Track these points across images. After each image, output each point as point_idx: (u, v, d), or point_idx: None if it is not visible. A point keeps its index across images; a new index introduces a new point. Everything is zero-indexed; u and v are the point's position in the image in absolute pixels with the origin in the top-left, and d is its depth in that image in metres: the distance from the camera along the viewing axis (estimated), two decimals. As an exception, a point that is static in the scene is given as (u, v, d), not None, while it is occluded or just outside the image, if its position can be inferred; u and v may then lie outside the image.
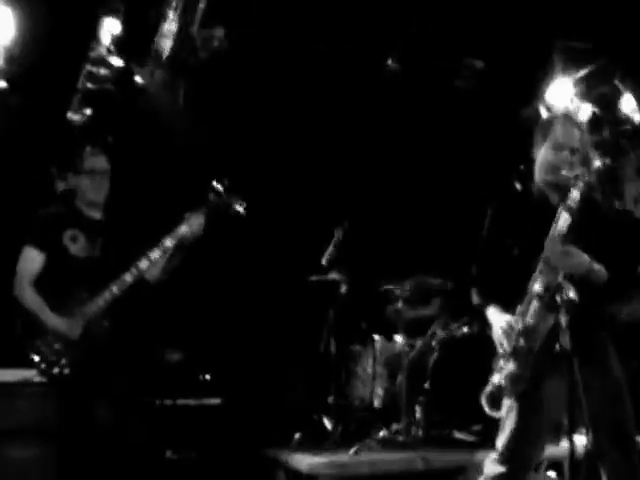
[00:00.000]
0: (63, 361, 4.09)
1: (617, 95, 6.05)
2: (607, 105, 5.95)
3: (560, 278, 3.37)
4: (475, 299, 3.83)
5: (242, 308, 6.49)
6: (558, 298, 3.30)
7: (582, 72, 6.87)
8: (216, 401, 5.72)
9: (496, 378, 3.53)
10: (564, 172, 3.49)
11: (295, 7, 6.11)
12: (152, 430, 5.00)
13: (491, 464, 3.62)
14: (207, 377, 5.89)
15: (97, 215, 4.42)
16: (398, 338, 6.37)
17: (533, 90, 6.71)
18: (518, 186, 3.89)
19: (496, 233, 3.74)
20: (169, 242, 4.31)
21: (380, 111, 7.02)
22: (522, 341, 3.45)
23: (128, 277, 4.22)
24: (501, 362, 3.53)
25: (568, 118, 3.65)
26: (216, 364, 6.02)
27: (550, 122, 3.70)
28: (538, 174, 3.68)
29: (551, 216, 3.49)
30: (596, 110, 5.03)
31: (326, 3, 6.12)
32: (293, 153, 6.85)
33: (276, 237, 6.66)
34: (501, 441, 3.59)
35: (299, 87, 6.68)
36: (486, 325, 3.74)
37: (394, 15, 6.21)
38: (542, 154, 3.64)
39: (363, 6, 6.15)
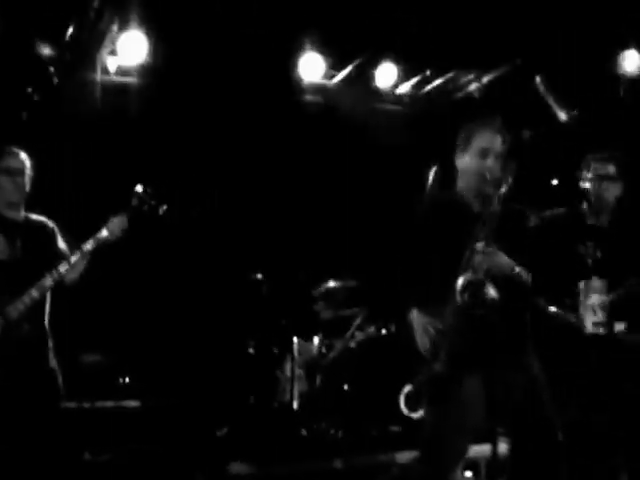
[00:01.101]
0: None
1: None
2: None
3: (481, 277, 3.39)
4: (399, 301, 3.86)
5: (164, 310, 6.45)
6: (479, 297, 3.38)
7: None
8: (135, 404, 5.69)
9: (416, 379, 3.59)
10: (487, 178, 3.50)
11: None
12: (70, 432, 4.94)
13: (412, 464, 3.67)
14: (126, 380, 5.86)
15: (17, 215, 4.36)
16: (316, 340, 6.42)
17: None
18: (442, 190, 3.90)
19: (421, 237, 3.74)
20: (89, 246, 4.28)
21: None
22: (443, 341, 3.47)
23: (48, 281, 4.19)
24: (422, 363, 3.58)
25: (491, 123, 3.66)
26: (136, 366, 5.97)
27: (473, 128, 3.65)
28: (462, 180, 3.69)
29: (474, 220, 3.51)
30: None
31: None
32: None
33: (199, 238, 6.64)
34: (422, 441, 3.64)
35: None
36: (405, 327, 3.79)
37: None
38: (466, 161, 3.64)
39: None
